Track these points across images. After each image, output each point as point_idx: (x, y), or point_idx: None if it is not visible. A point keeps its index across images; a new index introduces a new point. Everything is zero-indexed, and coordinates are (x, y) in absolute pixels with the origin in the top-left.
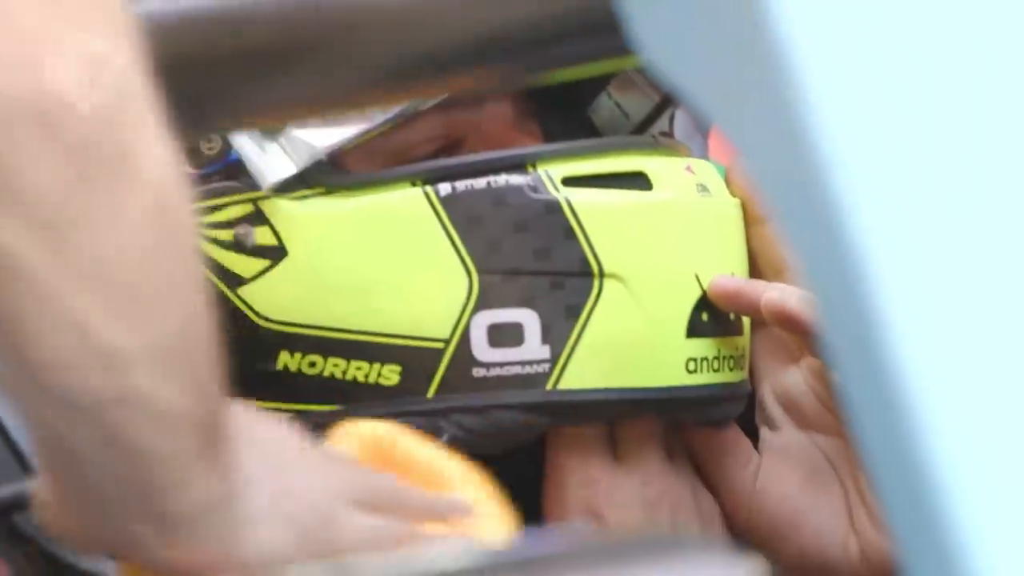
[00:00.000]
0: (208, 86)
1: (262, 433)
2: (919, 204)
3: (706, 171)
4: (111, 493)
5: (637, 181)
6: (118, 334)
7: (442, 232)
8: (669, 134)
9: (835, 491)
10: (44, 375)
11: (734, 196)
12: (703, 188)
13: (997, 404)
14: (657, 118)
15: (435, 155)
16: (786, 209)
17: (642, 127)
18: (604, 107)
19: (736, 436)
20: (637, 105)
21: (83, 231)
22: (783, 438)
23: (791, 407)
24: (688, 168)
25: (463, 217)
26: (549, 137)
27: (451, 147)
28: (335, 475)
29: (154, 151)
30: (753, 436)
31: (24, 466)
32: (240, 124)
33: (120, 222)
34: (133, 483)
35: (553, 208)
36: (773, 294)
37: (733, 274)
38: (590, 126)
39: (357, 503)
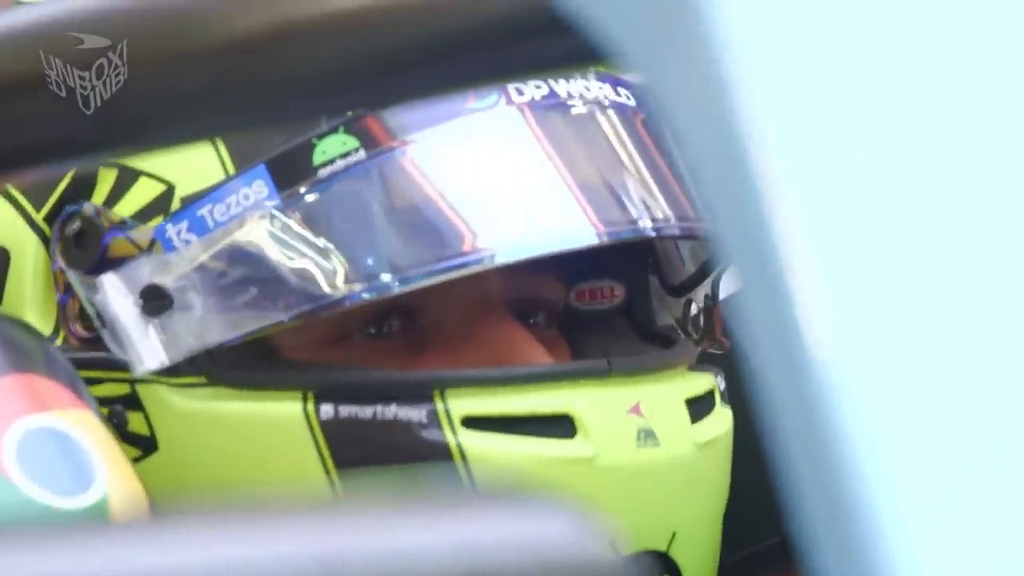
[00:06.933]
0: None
1: None
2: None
3: (664, 408)
4: None
5: (559, 426)
6: None
7: (318, 459)
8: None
9: None
10: None
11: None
12: (648, 435)
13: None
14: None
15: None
16: (708, 185)
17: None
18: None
19: None
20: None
21: None
22: None
23: None
24: (635, 409)
25: (342, 447)
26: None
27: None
28: None
29: None
30: None
31: None
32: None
33: None
34: None
35: (442, 453)
36: None
37: (674, 533)
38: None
39: None
